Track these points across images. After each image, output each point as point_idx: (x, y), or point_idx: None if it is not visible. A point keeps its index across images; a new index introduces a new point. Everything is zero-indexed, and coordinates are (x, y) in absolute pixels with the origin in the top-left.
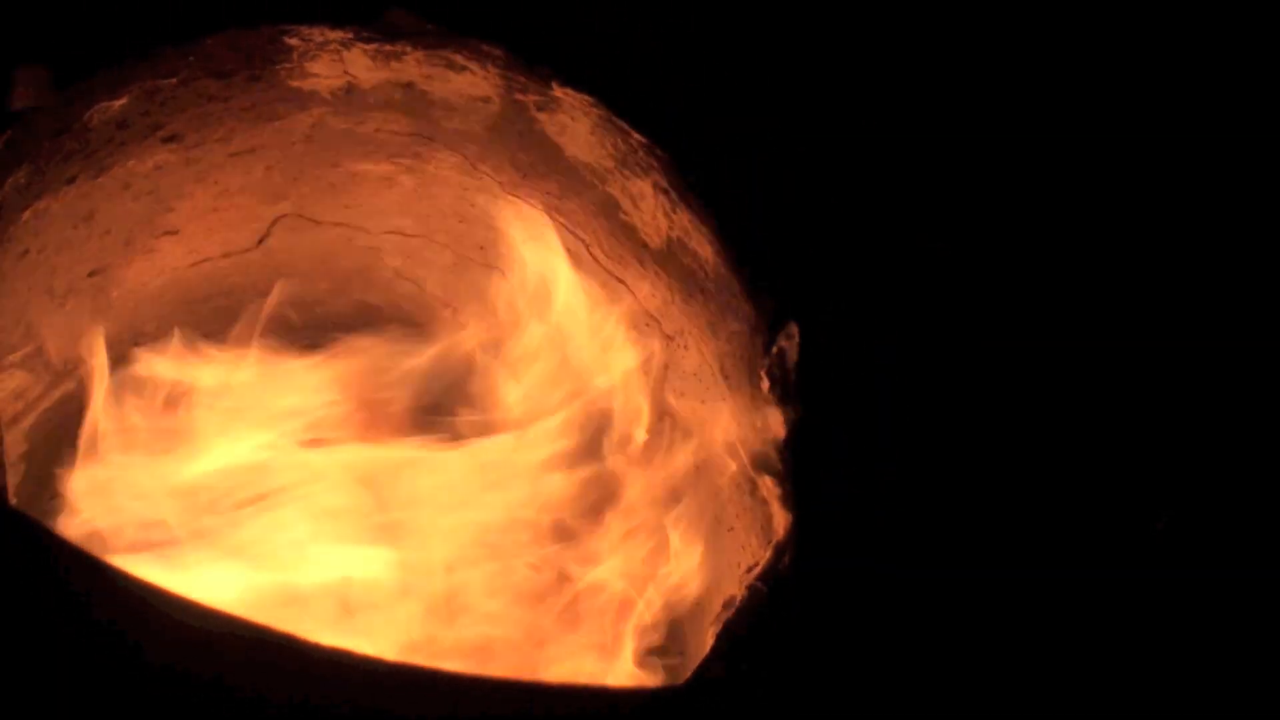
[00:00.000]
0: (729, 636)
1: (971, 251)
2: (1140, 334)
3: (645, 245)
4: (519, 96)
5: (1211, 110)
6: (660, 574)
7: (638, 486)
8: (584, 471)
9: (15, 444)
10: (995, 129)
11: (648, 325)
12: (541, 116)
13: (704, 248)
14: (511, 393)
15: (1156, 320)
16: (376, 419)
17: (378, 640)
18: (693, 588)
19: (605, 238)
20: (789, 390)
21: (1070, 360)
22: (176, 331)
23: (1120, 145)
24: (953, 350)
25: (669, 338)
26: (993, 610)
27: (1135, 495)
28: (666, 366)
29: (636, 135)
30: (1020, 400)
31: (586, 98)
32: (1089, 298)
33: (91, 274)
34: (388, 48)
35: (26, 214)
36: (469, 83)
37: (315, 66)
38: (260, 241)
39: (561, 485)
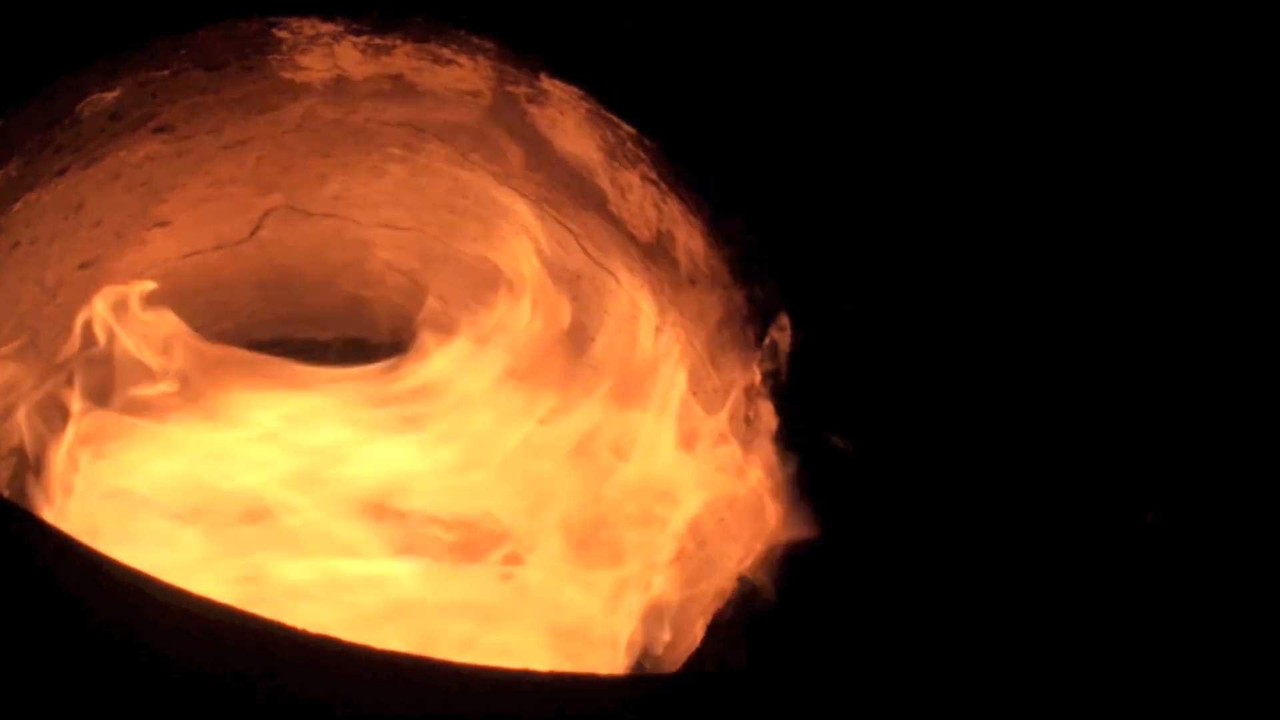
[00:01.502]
0: (720, 628)
1: (970, 248)
2: (1138, 333)
3: (634, 237)
4: (509, 89)
5: (1210, 110)
6: (652, 565)
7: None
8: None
9: (7, 436)
10: (992, 120)
11: (637, 318)
12: (531, 109)
13: (694, 239)
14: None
15: (1155, 319)
16: None
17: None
18: (685, 579)
19: (595, 230)
20: (781, 381)
21: (1068, 359)
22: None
23: (1118, 143)
24: (949, 344)
25: (659, 329)
26: (990, 608)
27: (1132, 493)
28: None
29: (625, 126)
30: (1018, 397)
31: (576, 90)
32: (1087, 295)
33: (83, 266)
34: (378, 40)
35: (17, 205)
36: (459, 75)
37: (306, 59)
38: (252, 233)
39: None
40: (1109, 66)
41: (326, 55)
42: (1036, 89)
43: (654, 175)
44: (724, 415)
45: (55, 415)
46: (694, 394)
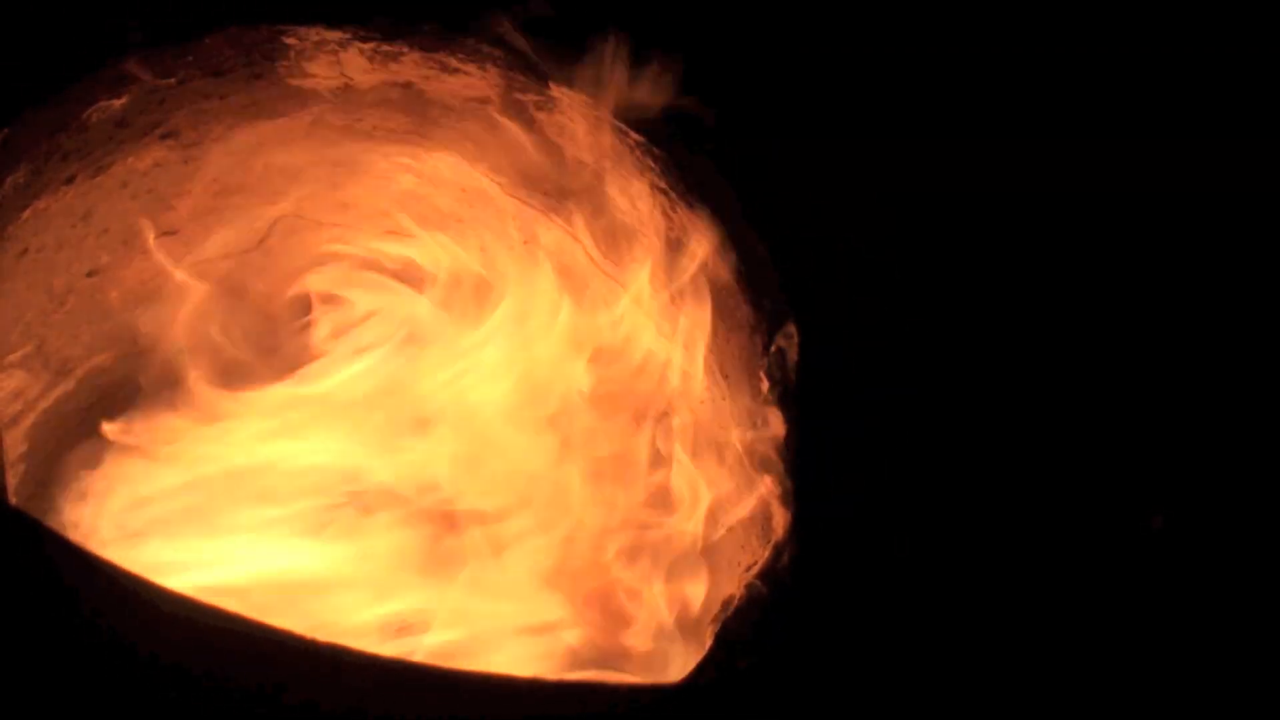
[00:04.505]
0: (727, 635)
1: (979, 256)
2: (1142, 337)
3: (643, 245)
4: (518, 97)
5: (1210, 112)
6: (659, 570)
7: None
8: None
9: (15, 444)
10: (995, 131)
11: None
12: (540, 117)
13: (702, 248)
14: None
15: (1158, 322)
16: None
17: None
18: (691, 586)
19: (603, 238)
20: (788, 390)
21: (1068, 358)
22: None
23: (1117, 142)
24: (952, 348)
25: (667, 338)
26: (992, 610)
27: (1133, 493)
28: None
29: (634, 135)
30: (1019, 398)
31: (583, 98)
32: (1087, 294)
33: (90, 274)
34: (385, 48)
35: (26, 213)
36: (466, 83)
37: (313, 66)
38: (260, 241)
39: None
40: (1112, 71)
41: (333, 63)
42: (1040, 101)
43: (663, 184)
44: (731, 423)
45: (62, 423)
46: (702, 402)
